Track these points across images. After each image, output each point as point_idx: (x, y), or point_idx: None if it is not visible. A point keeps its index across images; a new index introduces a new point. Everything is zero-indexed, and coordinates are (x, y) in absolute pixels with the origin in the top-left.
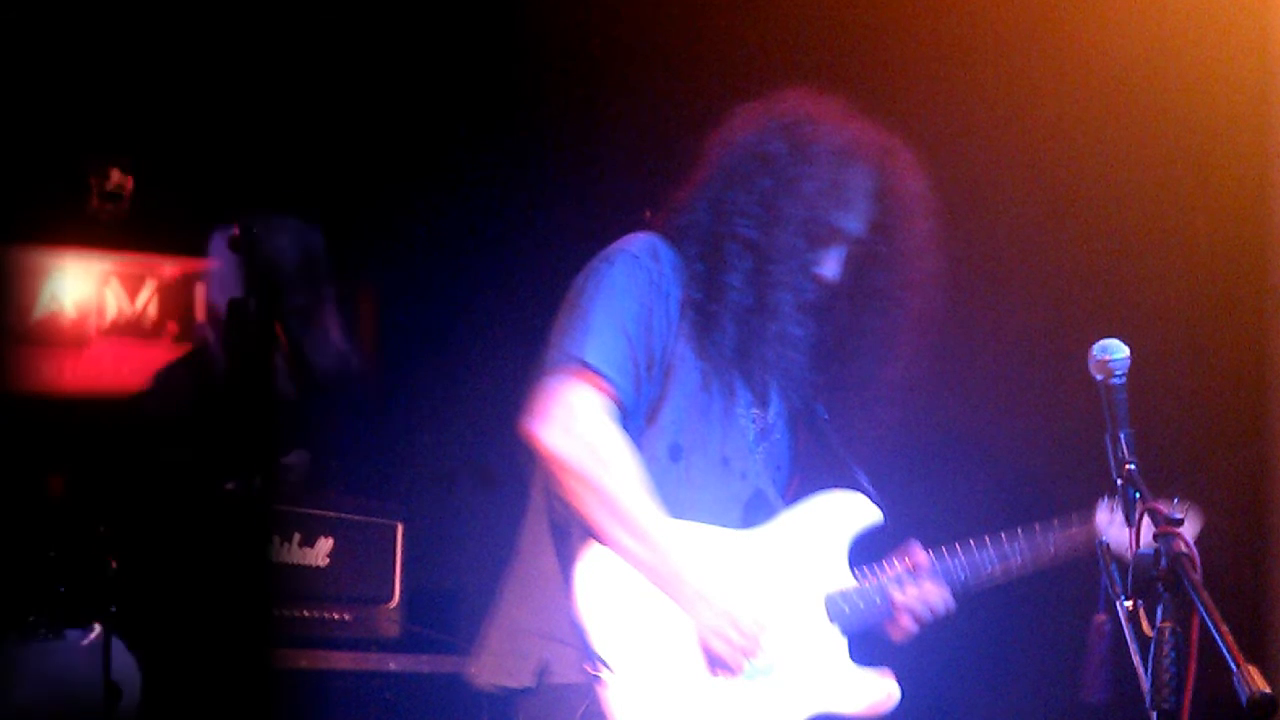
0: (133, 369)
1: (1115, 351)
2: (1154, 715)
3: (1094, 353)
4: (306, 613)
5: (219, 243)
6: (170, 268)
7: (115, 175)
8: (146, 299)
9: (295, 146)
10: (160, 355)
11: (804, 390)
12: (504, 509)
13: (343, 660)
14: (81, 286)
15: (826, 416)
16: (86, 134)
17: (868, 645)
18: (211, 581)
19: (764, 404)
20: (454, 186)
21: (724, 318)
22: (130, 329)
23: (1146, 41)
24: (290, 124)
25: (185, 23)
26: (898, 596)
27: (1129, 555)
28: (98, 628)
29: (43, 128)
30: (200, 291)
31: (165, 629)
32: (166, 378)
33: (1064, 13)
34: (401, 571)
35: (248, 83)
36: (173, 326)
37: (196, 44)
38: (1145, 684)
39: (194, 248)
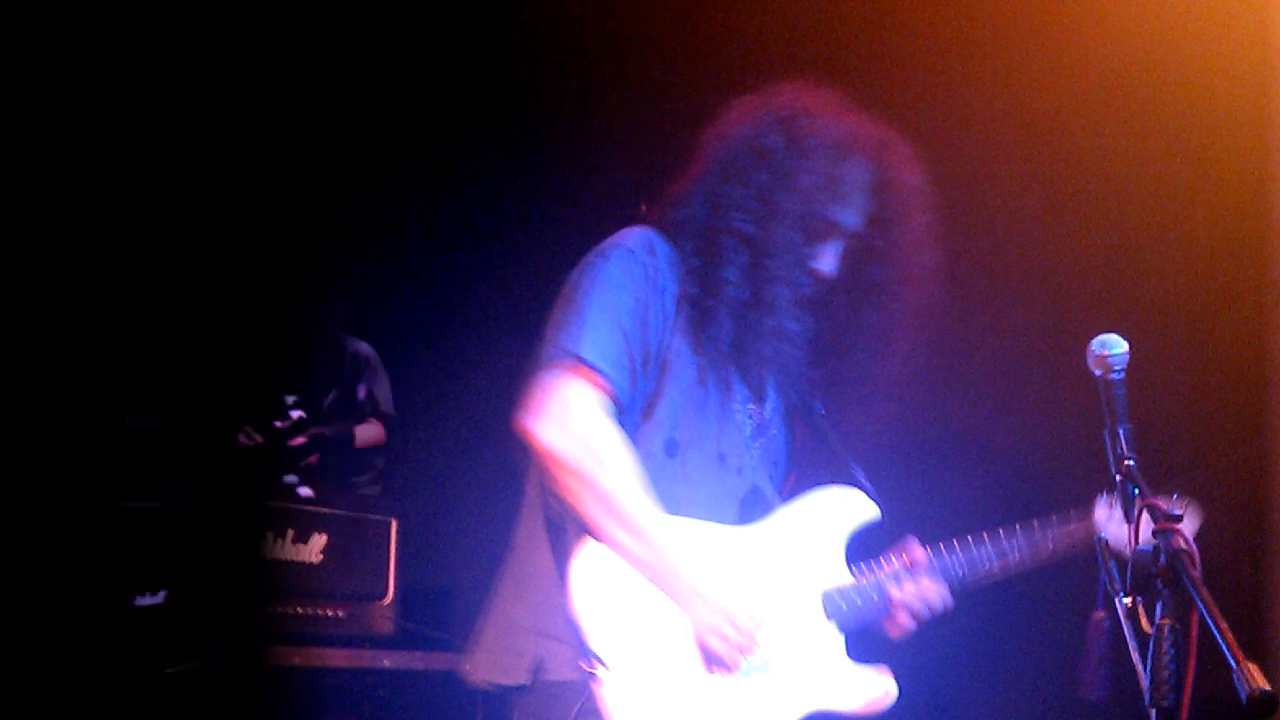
0: None
1: (1114, 346)
2: (1153, 713)
3: (1093, 348)
4: (300, 609)
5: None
6: None
7: None
8: None
9: (287, 142)
10: None
11: (800, 385)
12: (499, 505)
13: (337, 657)
14: None
15: (823, 412)
16: None
17: (865, 642)
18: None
19: (760, 399)
20: (448, 181)
21: (720, 312)
22: None
23: (1146, 36)
24: (284, 120)
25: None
26: (895, 593)
27: (1128, 552)
28: None
29: None
30: None
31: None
32: None
33: (1063, 7)
34: (396, 568)
35: (231, 75)
36: None
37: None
38: (1144, 681)
39: None
